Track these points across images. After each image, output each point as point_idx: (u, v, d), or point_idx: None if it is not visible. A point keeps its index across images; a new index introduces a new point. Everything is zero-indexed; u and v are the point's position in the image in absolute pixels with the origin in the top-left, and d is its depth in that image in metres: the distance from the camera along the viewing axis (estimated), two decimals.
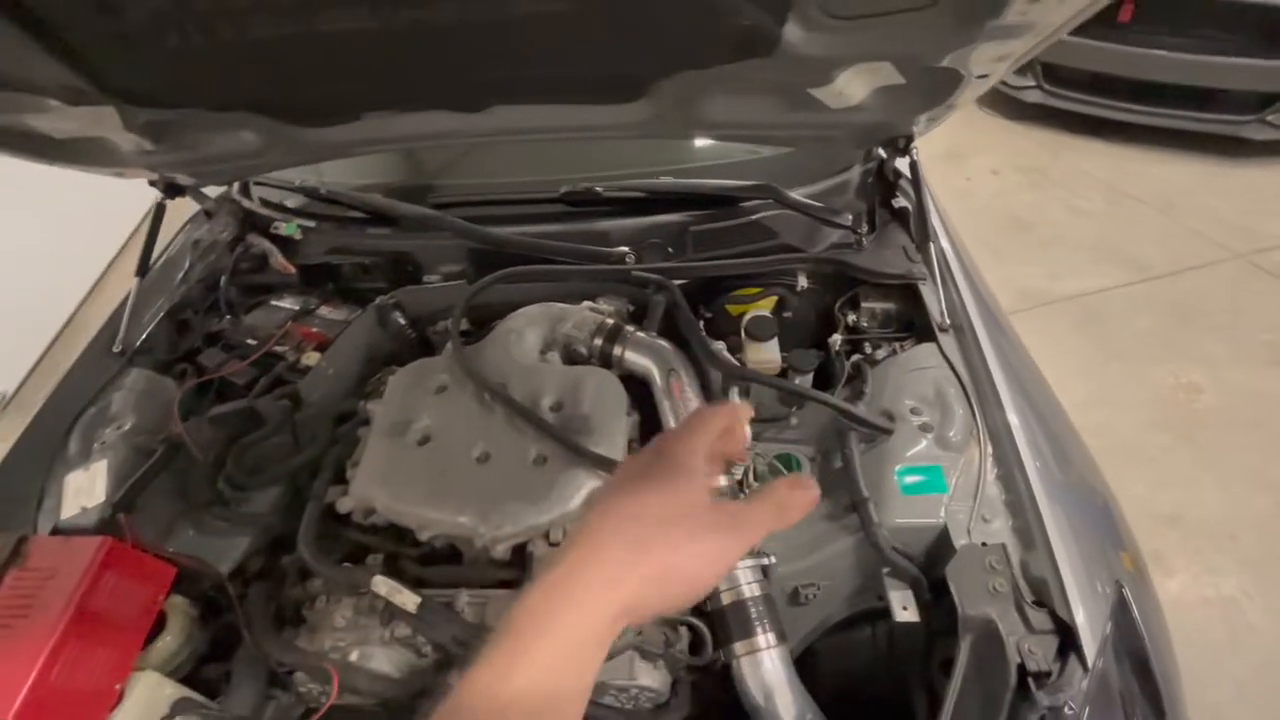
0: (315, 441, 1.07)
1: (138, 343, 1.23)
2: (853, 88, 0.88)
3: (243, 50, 0.72)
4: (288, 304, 1.35)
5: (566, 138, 1.06)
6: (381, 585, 0.86)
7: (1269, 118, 3.54)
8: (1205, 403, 2.39)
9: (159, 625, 0.90)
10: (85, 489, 1.03)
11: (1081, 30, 3.19)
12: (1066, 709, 0.70)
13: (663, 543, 0.43)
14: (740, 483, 1.00)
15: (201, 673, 0.94)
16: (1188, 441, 2.24)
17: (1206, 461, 2.16)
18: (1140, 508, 1.88)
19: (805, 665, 0.92)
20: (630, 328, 1.10)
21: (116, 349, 1.20)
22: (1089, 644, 0.74)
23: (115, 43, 0.66)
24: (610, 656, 0.81)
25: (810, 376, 1.10)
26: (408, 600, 0.85)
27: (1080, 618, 0.75)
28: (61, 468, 1.05)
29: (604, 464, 0.90)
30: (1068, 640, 0.74)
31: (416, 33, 0.69)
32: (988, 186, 3.73)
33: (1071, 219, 3.42)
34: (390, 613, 0.88)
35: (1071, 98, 3.92)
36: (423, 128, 1.01)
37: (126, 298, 1.26)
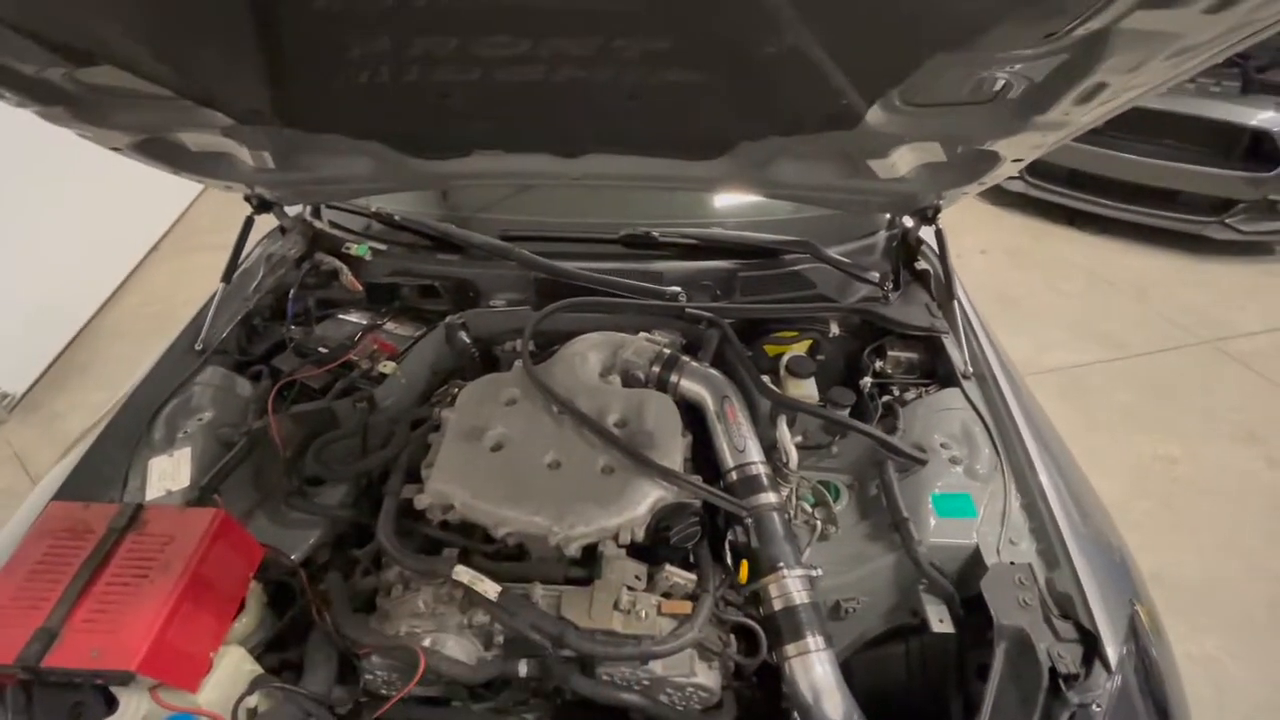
0: (389, 443, 1.14)
1: (216, 343, 1.30)
2: (903, 161, 1.03)
3: (410, 89, 0.83)
4: (354, 318, 1.45)
5: (645, 186, 1.19)
6: (464, 574, 0.92)
7: (1228, 221, 3.89)
8: (1181, 472, 2.54)
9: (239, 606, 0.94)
10: (170, 473, 1.08)
11: None
12: (1094, 706, 0.78)
13: None
14: (786, 502, 1.09)
15: (263, 660, 0.97)
16: (1166, 508, 2.38)
17: (1184, 527, 2.30)
18: None
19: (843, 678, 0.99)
20: (686, 358, 1.21)
21: (198, 347, 1.27)
22: (1111, 655, 0.83)
23: (321, 73, 0.77)
24: (674, 650, 0.88)
25: (848, 411, 1.21)
26: (489, 589, 0.91)
27: (1104, 630, 0.84)
28: (146, 453, 1.10)
29: (667, 475, 0.99)
30: (1092, 648, 0.83)
31: (566, 87, 0.81)
32: (977, 264, 3.99)
33: (1054, 298, 3.66)
34: (469, 601, 0.94)
35: (1051, 189, 4.26)
36: (522, 167, 1.13)
37: (210, 300, 1.34)
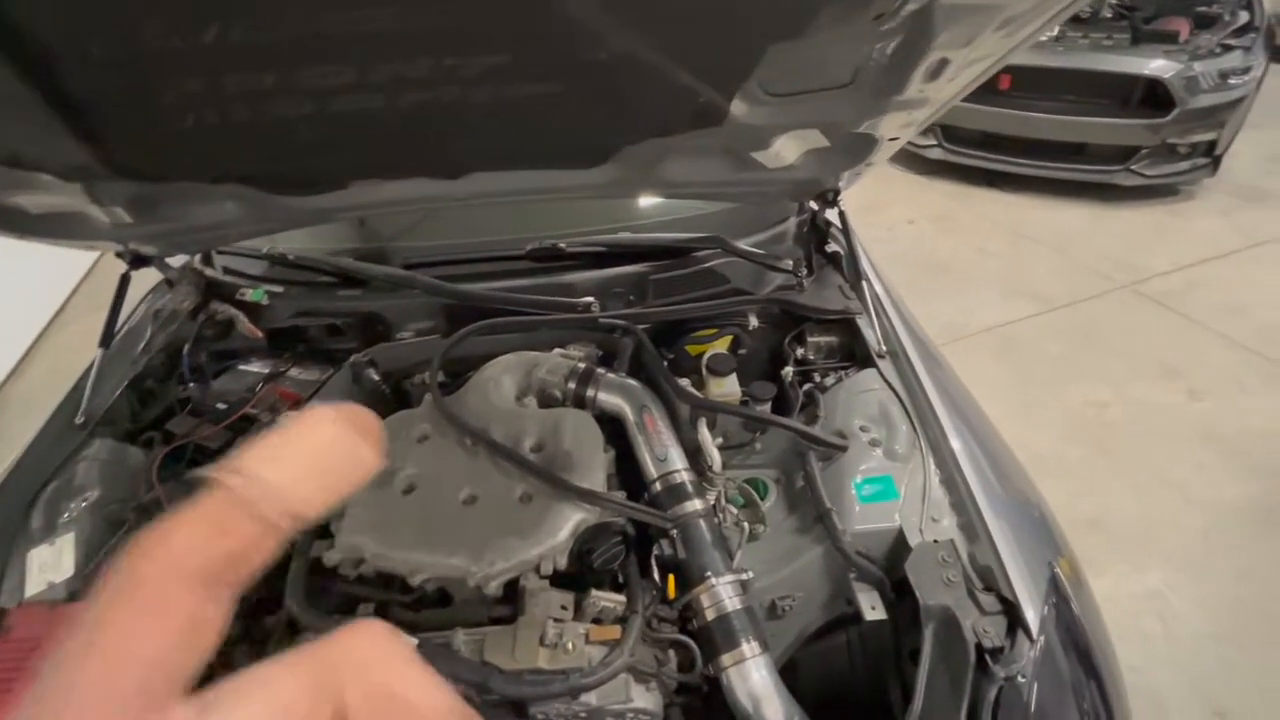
0: None
1: (100, 414, 1.21)
2: (787, 150, 1.02)
3: (248, 128, 0.78)
4: (255, 368, 1.37)
5: (537, 199, 1.16)
6: None
7: (1133, 167, 4.08)
8: (1112, 416, 2.65)
9: None
10: (51, 564, 1.00)
11: (970, 97, 3.61)
12: (1019, 678, 0.78)
13: None
14: (714, 507, 1.07)
15: None
16: (1101, 452, 2.47)
17: (1118, 469, 2.39)
18: (1063, 515, 2.04)
19: (788, 676, 0.98)
20: (601, 370, 1.18)
21: (79, 421, 1.18)
22: (1032, 621, 0.84)
23: (138, 122, 0.71)
24: (605, 680, 0.85)
25: (769, 405, 1.20)
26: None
27: (1023, 598, 0.85)
28: (25, 544, 1.01)
29: (586, 495, 0.96)
30: (1014, 618, 0.84)
31: (416, 111, 0.77)
32: (906, 234, 4.09)
33: (981, 260, 3.78)
34: None
35: (968, 154, 4.40)
36: (404, 193, 1.08)
37: (89, 369, 1.25)
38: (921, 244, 3.95)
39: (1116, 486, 2.31)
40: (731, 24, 0.57)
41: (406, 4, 0.52)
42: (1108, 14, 4.42)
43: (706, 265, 1.42)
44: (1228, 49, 4.02)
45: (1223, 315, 3.20)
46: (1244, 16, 4.28)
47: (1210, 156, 4.08)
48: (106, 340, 1.29)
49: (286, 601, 0.93)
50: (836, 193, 1.30)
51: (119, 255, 1.27)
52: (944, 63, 0.66)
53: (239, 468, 0.37)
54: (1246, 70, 3.96)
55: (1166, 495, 2.28)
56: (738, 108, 0.81)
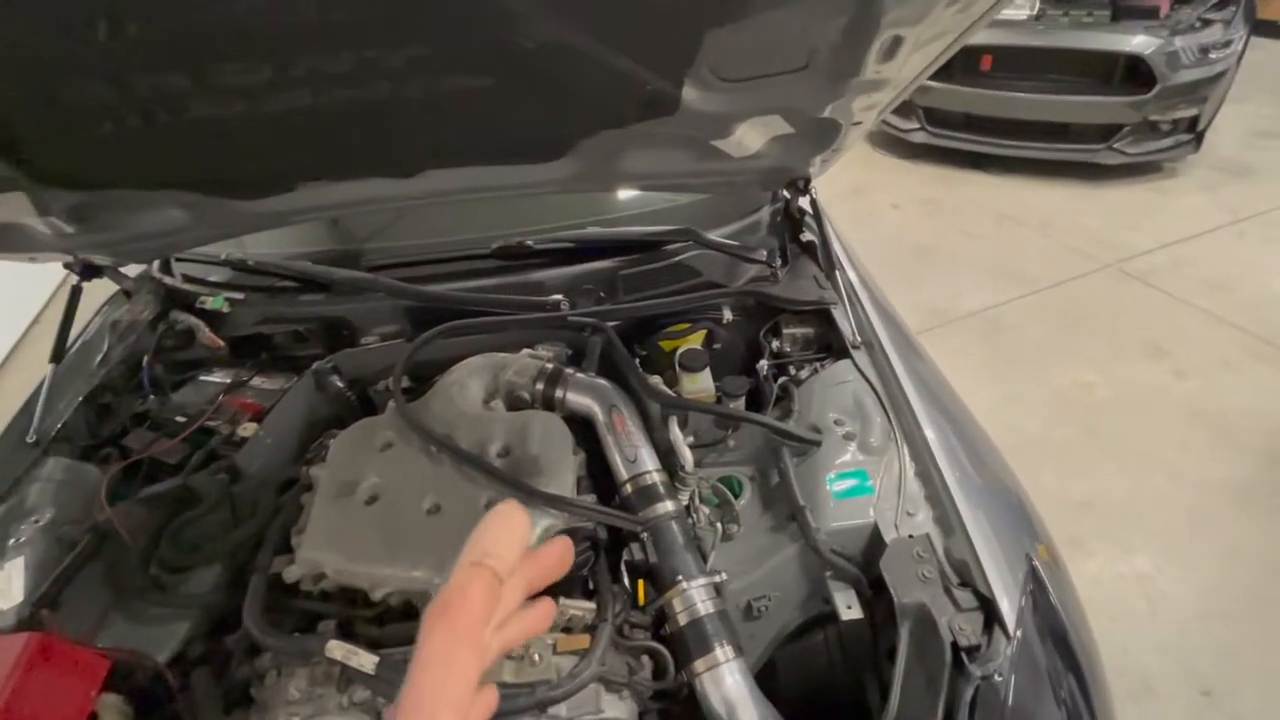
0: (256, 513, 1.05)
1: (54, 431, 1.17)
2: (750, 138, 0.99)
3: (179, 131, 0.74)
4: (218, 378, 1.33)
5: (498, 196, 1.12)
6: (337, 649, 0.84)
7: (1116, 145, 4.06)
8: (1098, 397, 2.64)
9: None
10: (1, 589, 0.96)
11: (951, 78, 3.58)
12: (996, 676, 0.76)
13: None
14: (687, 508, 1.05)
15: None
16: (1088, 433, 2.46)
17: (1106, 449, 2.38)
18: (1053, 497, 2.05)
19: (767, 677, 0.96)
20: (570, 370, 1.15)
21: (30, 439, 1.14)
22: (1009, 615, 0.82)
23: (50, 131, 0.68)
24: (573, 691, 0.83)
25: (742, 401, 1.17)
26: (365, 661, 0.83)
27: (1000, 592, 0.83)
28: None
29: (552, 501, 0.93)
30: (991, 614, 0.82)
31: (351, 108, 0.73)
32: (890, 219, 4.06)
33: (966, 243, 3.75)
34: (347, 678, 0.86)
35: (951, 136, 4.37)
36: (358, 194, 1.05)
37: (40, 386, 1.21)
38: (906, 228, 3.93)
39: (1105, 467, 2.30)
40: (663, 8, 0.54)
41: None
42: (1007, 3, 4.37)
43: (678, 258, 1.39)
44: (1208, 23, 3.99)
45: (1208, 292, 3.20)
46: None
47: (1193, 132, 4.06)
48: (58, 355, 1.25)
49: (244, 621, 0.90)
50: (808, 180, 1.27)
51: (68, 267, 1.22)
52: (898, 41, 0.63)
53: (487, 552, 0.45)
54: (1227, 44, 3.94)
55: (1154, 475, 2.27)
56: (691, 95, 0.78)
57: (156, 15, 0.52)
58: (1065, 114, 4.08)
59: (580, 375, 1.14)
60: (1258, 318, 3.00)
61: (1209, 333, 2.96)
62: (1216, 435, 2.42)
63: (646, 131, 0.90)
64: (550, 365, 1.15)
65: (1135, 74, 3.89)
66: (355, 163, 0.99)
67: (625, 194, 1.56)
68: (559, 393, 1.12)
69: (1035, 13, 4.16)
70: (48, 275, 3.89)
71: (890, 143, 4.66)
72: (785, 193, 1.44)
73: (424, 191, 1.09)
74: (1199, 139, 4.10)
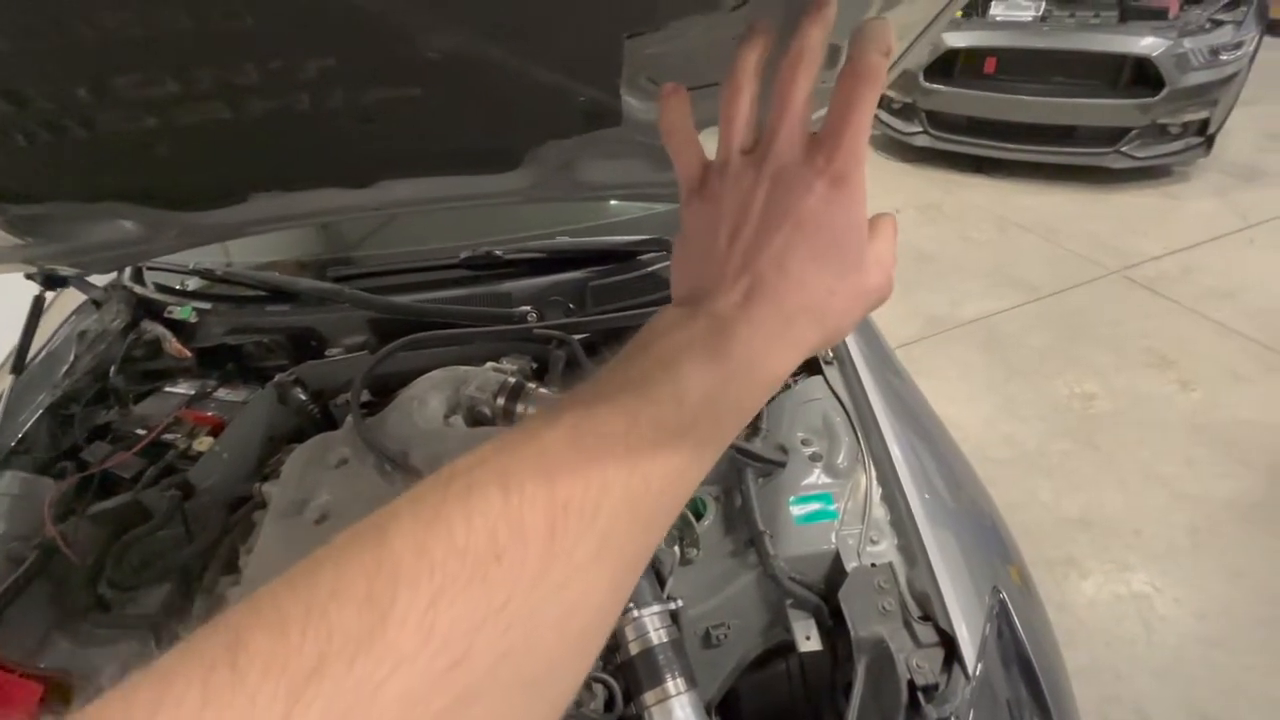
0: (206, 531, 1.02)
1: (12, 443, 1.16)
2: (710, 146, 0.95)
3: (100, 144, 0.72)
4: (183, 389, 1.31)
5: (460, 206, 1.10)
6: None
7: (1124, 149, 3.98)
8: (1099, 408, 2.57)
9: None
10: None
11: (955, 81, 3.52)
12: (953, 718, 0.72)
13: (840, 315, 0.39)
14: None
15: None
16: (1087, 446, 2.39)
17: (1105, 463, 2.31)
18: (1049, 514, 1.99)
19: (729, 706, 0.92)
20: (533, 385, 1.12)
21: None
22: (969, 651, 0.78)
23: None
24: None
25: None
26: None
27: (961, 627, 0.79)
28: None
29: None
30: (951, 651, 0.78)
31: (276, 119, 0.70)
32: None
33: (967, 249, 3.69)
34: None
35: (954, 140, 4.30)
36: (314, 205, 1.02)
37: None
38: (907, 233, 3.86)
39: (1104, 482, 2.23)
40: (574, 16, 0.50)
41: (188, 4, 0.45)
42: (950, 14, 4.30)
43: (651, 269, 1.35)
44: (1218, 24, 3.91)
45: (1217, 301, 3.12)
46: None
47: (1203, 136, 3.98)
48: (19, 366, 1.23)
49: None
50: None
51: (29, 277, 1.21)
52: (836, 51, 0.59)
53: None
54: (1238, 45, 3.85)
55: (1156, 491, 2.20)
56: (634, 106, 0.75)
57: (29, 29, 0.49)
58: (1071, 117, 4.00)
59: (542, 390, 1.10)
60: (1268, 327, 2.91)
61: (1217, 342, 2.88)
62: (1222, 450, 2.34)
63: (599, 141, 0.87)
64: (512, 380, 1.12)
65: (1143, 76, 3.81)
66: (305, 173, 0.96)
67: (596, 203, 1.53)
68: (520, 407, 1.08)
69: (1040, 14, 4.09)
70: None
71: (891, 146, 4.60)
72: None
73: (384, 202, 1.07)
74: (1209, 142, 4.01)
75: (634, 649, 0.87)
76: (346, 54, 0.56)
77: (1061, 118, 4.01)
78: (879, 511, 0.94)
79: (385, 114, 0.73)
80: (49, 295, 1.30)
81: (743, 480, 1.00)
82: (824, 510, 0.95)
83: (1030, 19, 4.06)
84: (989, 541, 0.97)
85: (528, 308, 1.27)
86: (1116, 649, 1.73)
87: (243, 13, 0.47)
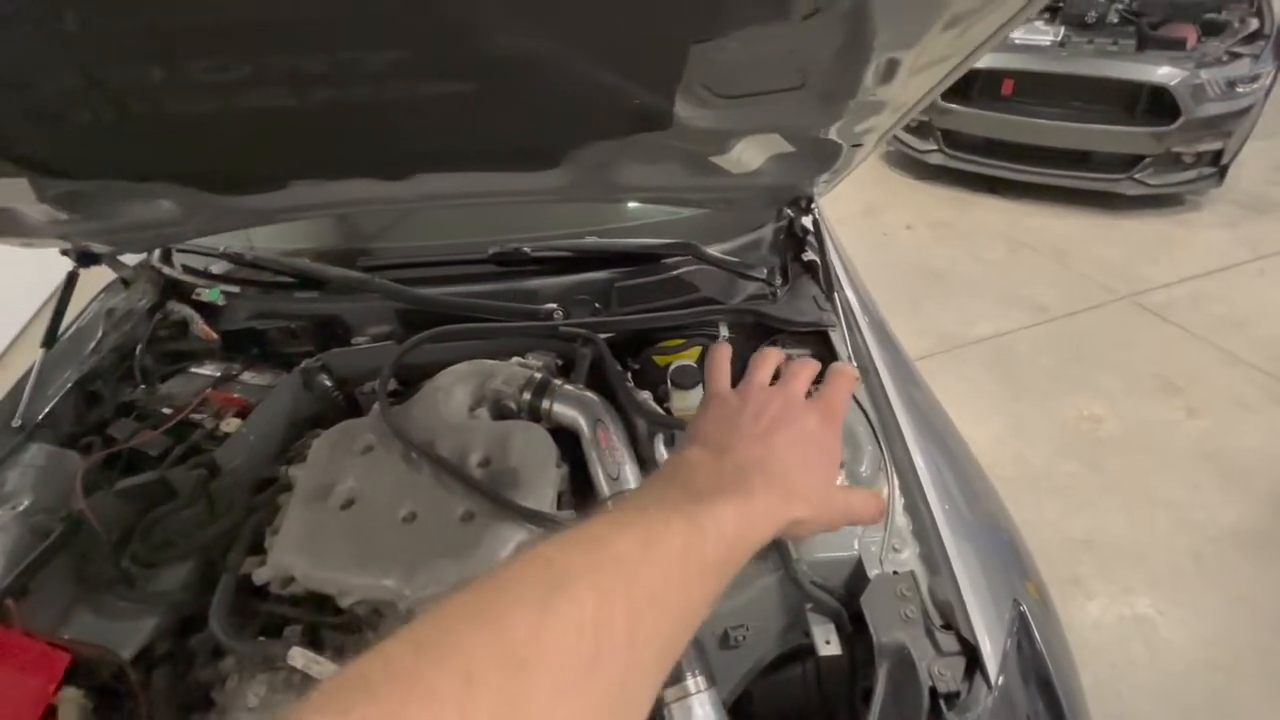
0: (231, 511, 1.03)
1: (40, 416, 1.17)
2: (749, 155, 0.97)
3: (160, 124, 0.74)
4: (208, 370, 1.32)
5: (493, 202, 1.11)
6: (299, 657, 0.82)
7: (1137, 176, 4.00)
8: (1106, 431, 2.58)
9: None
10: None
11: (972, 101, 3.54)
12: None
13: (817, 507, 0.49)
14: None
15: None
16: (1094, 469, 2.40)
17: (1111, 486, 2.32)
18: (1055, 534, 2.00)
19: (743, 708, 0.93)
20: (558, 381, 1.13)
21: (16, 424, 1.14)
22: (992, 662, 0.78)
23: (27, 117, 0.67)
24: None
25: None
26: (326, 670, 0.82)
27: (983, 637, 0.80)
28: None
29: (530, 516, 0.91)
30: (973, 660, 0.78)
31: (333, 109, 0.72)
32: (903, 240, 4.02)
33: (978, 268, 3.71)
34: (308, 686, 0.84)
35: (969, 159, 4.33)
36: (349, 195, 1.04)
37: (29, 370, 1.20)
38: (919, 250, 3.89)
39: (1109, 505, 2.24)
40: (645, 20, 0.52)
41: None
42: (1114, 19, 4.33)
43: (676, 273, 1.37)
44: (1236, 57, 3.94)
45: (1226, 330, 3.13)
46: (1254, 24, 4.19)
47: (1216, 166, 4.00)
48: (50, 340, 1.25)
49: (210, 622, 0.89)
50: (810, 199, 1.24)
51: (64, 253, 1.23)
52: (894, 64, 0.61)
53: None
54: (1255, 79, 3.88)
55: (1160, 516, 2.21)
56: (685, 110, 0.76)
57: (130, 9, 0.51)
58: (1087, 142, 4.03)
59: (568, 387, 1.12)
60: (1276, 357, 2.93)
61: (1225, 371, 2.89)
62: (1227, 478, 2.35)
63: (641, 144, 0.88)
64: (538, 375, 1.13)
65: (1159, 105, 3.84)
66: (345, 163, 0.98)
67: (627, 205, 1.55)
68: (545, 403, 1.10)
69: (1059, 39, 4.12)
70: (55, 269, 3.95)
71: (905, 163, 4.62)
72: (789, 211, 1.42)
73: (417, 195, 1.08)
74: (1222, 173, 4.04)
75: None
76: (418, 48, 0.57)
77: (1077, 143, 4.04)
78: (901, 520, 0.95)
79: (436, 108, 0.75)
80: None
81: None
82: None
83: (1049, 43, 4.09)
84: (1007, 556, 0.98)
85: (554, 305, 1.28)
86: (1120, 670, 1.74)
87: (333, 4, 0.49)
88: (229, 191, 1.00)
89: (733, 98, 0.74)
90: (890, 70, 0.63)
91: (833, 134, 0.85)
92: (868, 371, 1.16)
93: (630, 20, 0.51)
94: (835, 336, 1.23)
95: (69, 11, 0.49)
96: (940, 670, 0.77)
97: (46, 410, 1.18)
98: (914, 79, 0.66)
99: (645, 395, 1.17)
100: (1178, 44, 4.00)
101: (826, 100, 0.73)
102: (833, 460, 0.54)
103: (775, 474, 0.47)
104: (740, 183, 1.08)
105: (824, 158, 0.99)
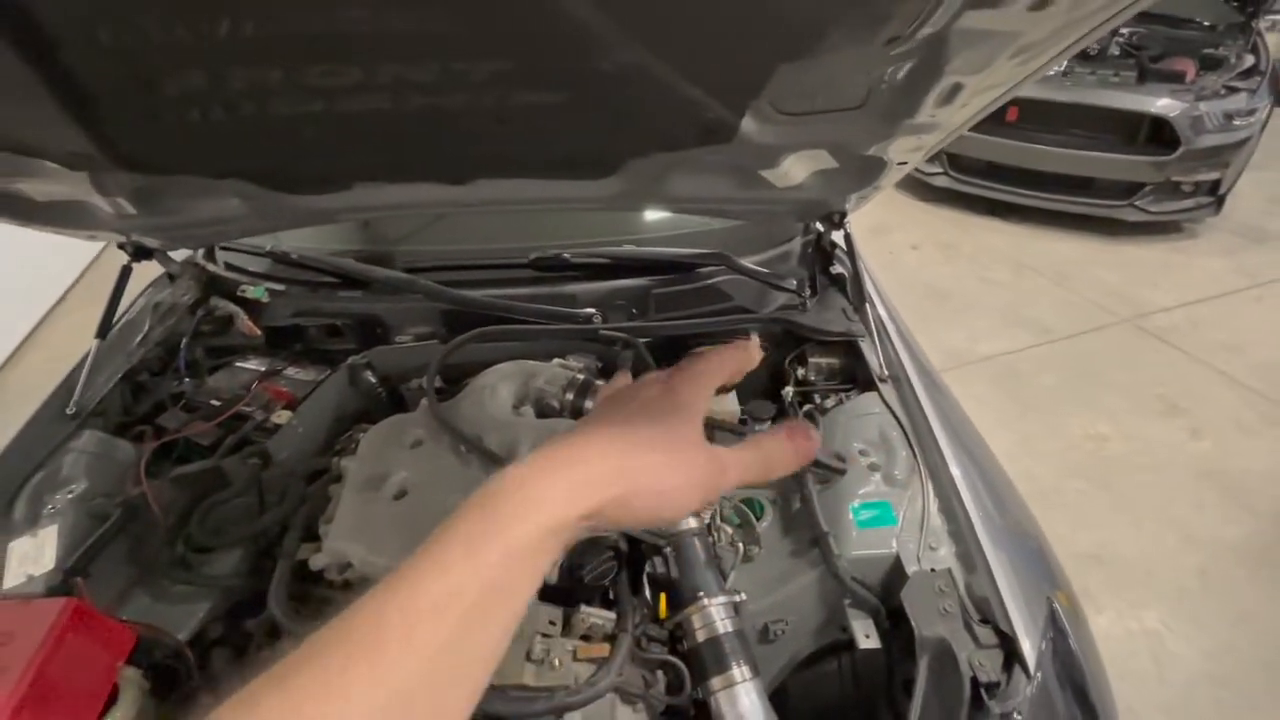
0: (284, 500, 1.06)
1: (92, 405, 1.20)
2: (795, 170, 1.01)
3: (256, 124, 0.78)
4: (252, 365, 1.36)
5: (543, 209, 1.15)
6: None
7: (1138, 203, 4.10)
8: (1112, 450, 2.63)
9: (109, 699, 0.85)
10: (32, 556, 0.98)
11: (977, 127, 3.64)
12: (1015, 715, 0.76)
13: (641, 470, 0.43)
14: (709, 526, 1.05)
15: None
16: (1101, 486, 2.45)
17: (1119, 503, 2.37)
18: (1064, 548, 2.01)
19: (778, 703, 0.95)
20: (599, 382, 1.17)
21: (70, 411, 1.17)
22: (1029, 655, 0.82)
23: (140, 114, 0.71)
24: (590, 700, 0.83)
25: (768, 425, 1.19)
26: None
27: (1020, 631, 0.83)
28: (4, 535, 0.99)
29: None
30: (1011, 652, 0.82)
31: (424, 115, 0.76)
32: (910, 259, 4.10)
33: (983, 288, 3.78)
34: None
35: (973, 183, 4.42)
36: (408, 197, 1.08)
37: (84, 359, 1.24)
38: (925, 270, 3.96)
39: (1116, 522, 2.29)
40: (742, 40, 0.57)
41: (421, 6, 0.51)
42: (1115, 51, 4.46)
43: (710, 281, 1.41)
44: (1233, 91, 4.06)
45: (1224, 353, 3.20)
46: (1249, 60, 4.32)
47: (1214, 195, 4.10)
48: (104, 331, 1.28)
49: (270, 605, 0.91)
50: (844, 214, 1.29)
51: (121, 247, 1.26)
52: (957, 88, 0.66)
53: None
54: (1251, 112, 4.00)
55: (1166, 533, 2.26)
56: (748, 125, 0.81)
57: (273, 16, 0.55)
58: (1089, 169, 4.13)
59: None
60: (1273, 382, 2.99)
61: (1224, 394, 2.96)
62: (1229, 497, 2.40)
63: (698, 157, 0.93)
64: (581, 376, 1.17)
65: (1159, 135, 3.94)
66: (411, 167, 1.01)
67: (661, 215, 1.60)
68: (587, 403, 1.13)
69: (1063, 69, 4.24)
70: (76, 257, 3.97)
71: (912, 185, 4.72)
72: (819, 225, 1.47)
73: (471, 199, 1.12)
74: (1220, 202, 4.14)
75: (701, 636, 0.91)
76: (528, 59, 0.62)
77: (1079, 169, 4.14)
78: (937, 521, 0.99)
79: (520, 117, 0.79)
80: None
81: (803, 485, 1.05)
82: (884, 516, 0.99)
83: (1053, 73, 4.20)
84: (1037, 563, 1.01)
85: (592, 310, 1.33)
86: (1129, 683, 1.77)
87: (465, 16, 0.53)
88: (298, 191, 1.04)
89: (795, 115, 0.79)
90: (952, 94, 0.67)
91: (880, 152, 0.90)
92: (899, 380, 1.20)
93: (732, 36, 0.56)
94: (865, 346, 1.27)
95: (223, 18, 0.54)
96: (980, 661, 0.80)
97: (98, 399, 1.21)
98: (970, 103, 0.71)
99: None
100: (1177, 77, 4.12)
101: (884, 121, 0.77)
102: (667, 425, 0.46)
103: (565, 465, 0.42)
104: (781, 196, 1.13)
105: (866, 175, 1.04)
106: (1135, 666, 1.83)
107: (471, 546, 0.38)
